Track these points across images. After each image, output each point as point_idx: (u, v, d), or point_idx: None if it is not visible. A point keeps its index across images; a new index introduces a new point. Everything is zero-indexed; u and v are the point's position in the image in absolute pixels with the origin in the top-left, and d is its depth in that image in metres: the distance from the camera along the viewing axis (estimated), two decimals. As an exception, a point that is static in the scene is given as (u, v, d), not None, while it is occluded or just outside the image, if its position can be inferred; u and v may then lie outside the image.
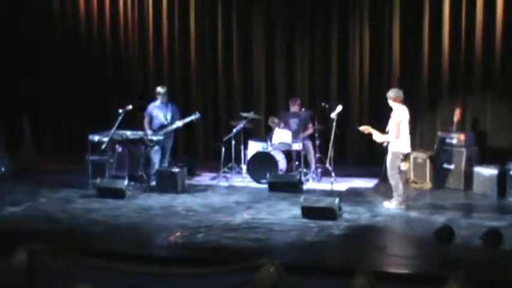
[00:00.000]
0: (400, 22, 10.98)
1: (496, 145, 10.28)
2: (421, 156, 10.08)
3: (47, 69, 12.86)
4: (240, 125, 10.43)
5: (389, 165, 8.30)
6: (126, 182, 9.20)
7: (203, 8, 12.18)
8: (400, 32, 11.00)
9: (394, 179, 8.32)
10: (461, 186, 9.53)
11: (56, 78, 12.89)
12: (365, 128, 8.39)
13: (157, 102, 10.18)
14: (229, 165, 10.63)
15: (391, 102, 8.35)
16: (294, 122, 10.60)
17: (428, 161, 9.95)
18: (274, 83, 11.99)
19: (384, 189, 8.92)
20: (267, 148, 10.31)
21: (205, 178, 10.70)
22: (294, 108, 10.63)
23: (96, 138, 9.77)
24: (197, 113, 10.21)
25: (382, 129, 8.44)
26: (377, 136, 8.35)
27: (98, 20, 12.73)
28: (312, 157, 10.41)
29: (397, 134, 8.17)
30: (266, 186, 9.63)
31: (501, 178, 9.02)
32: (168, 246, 6.77)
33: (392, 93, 8.37)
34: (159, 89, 10.18)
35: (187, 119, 10.12)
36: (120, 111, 9.50)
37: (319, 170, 10.36)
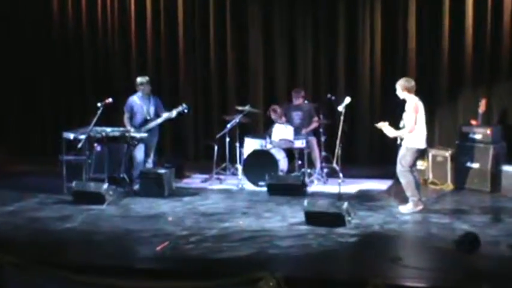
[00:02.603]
0: (416, 2, 10.98)
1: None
2: (441, 153, 10.08)
3: (16, 62, 12.86)
4: (235, 120, 10.42)
5: (400, 160, 8.32)
6: (105, 185, 9.18)
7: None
8: (416, 13, 11.01)
9: (404, 177, 8.33)
10: (487, 188, 9.54)
11: (25, 71, 12.89)
12: (382, 125, 8.40)
13: (138, 95, 10.16)
14: (223, 165, 10.63)
15: (402, 93, 8.35)
16: (296, 116, 10.60)
17: (449, 159, 9.95)
18: (274, 72, 12.00)
19: (399, 192, 8.91)
20: (265, 146, 10.30)
21: (195, 180, 10.70)
22: (298, 100, 10.62)
23: (71, 136, 9.74)
24: (184, 104, 10.19)
25: (396, 125, 8.43)
26: (390, 131, 8.36)
27: (73, 8, 12.70)
28: (316, 156, 10.41)
29: (412, 127, 8.18)
30: (265, 189, 9.64)
31: (532, 178, 9.04)
32: (154, 258, 6.76)
33: (403, 82, 8.37)
34: (140, 80, 10.15)
35: (174, 112, 10.09)
36: (99, 105, 9.49)
37: (325, 170, 10.36)
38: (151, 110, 10.09)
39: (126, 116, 10.12)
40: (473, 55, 10.72)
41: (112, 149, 9.85)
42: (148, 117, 10.07)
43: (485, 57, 10.66)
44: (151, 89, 10.20)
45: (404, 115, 8.34)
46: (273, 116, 10.57)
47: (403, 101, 8.42)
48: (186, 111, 10.19)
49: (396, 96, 8.51)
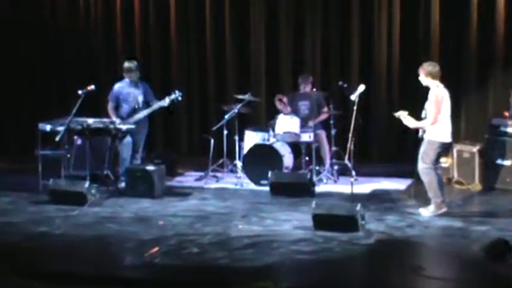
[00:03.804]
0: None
1: None
2: (467, 149, 10.05)
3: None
4: (234, 110, 10.40)
5: (422, 156, 8.31)
6: (87, 183, 9.17)
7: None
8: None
9: (426, 175, 8.32)
10: (521, 188, 9.55)
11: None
12: (401, 114, 8.37)
13: (125, 82, 10.13)
14: (220, 161, 10.61)
15: (425, 79, 8.34)
16: (304, 106, 10.58)
17: (477, 156, 9.92)
18: (278, 56, 11.97)
19: (419, 192, 8.90)
20: (268, 139, 10.28)
21: (189, 178, 10.71)
22: (305, 88, 10.58)
23: (48, 127, 9.74)
24: (177, 91, 10.15)
25: (417, 117, 8.40)
26: (410, 121, 8.33)
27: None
28: (326, 151, 10.39)
29: (435, 117, 8.15)
30: (267, 188, 9.62)
31: None
32: (142, 266, 6.75)
33: (426, 67, 8.35)
34: (127, 65, 10.12)
35: (167, 101, 10.06)
36: (80, 93, 9.46)
37: (336, 167, 10.34)
38: (140, 98, 10.07)
39: (110, 106, 10.09)
40: (506, 37, 10.69)
41: (94, 143, 9.84)
42: (136, 107, 10.04)
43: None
44: (139, 75, 10.15)
45: (427, 104, 8.30)
46: (279, 106, 10.52)
47: (426, 90, 8.38)
48: (179, 98, 10.16)
49: (418, 84, 8.47)
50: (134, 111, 10.03)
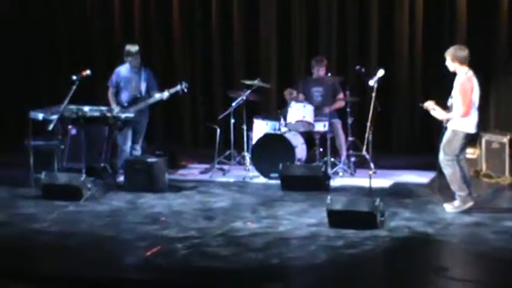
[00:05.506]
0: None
1: None
2: (497, 139, 10.03)
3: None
4: (242, 97, 10.41)
5: (444, 146, 8.29)
6: (83, 177, 9.21)
7: None
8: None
9: (448, 167, 8.31)
10: (556, 181, 9.56)
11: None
12: (429, 105, 8.36)
13: (126, 67, 10.16)
14: (227, 153, 10.64)
15: (452, 64, 8.31)
16: (317, 92, 10.59)
17: (507, 146, 9.90)
18: (290, 38, 11.95)
19: (444, 186, 8.88)
20: (279, 129, 10.29)
21: (193, 171, 10.75)
22: (319, 72, 10.58)
23: (40, 116, 9.77)
24: (184, 83, 10.17)
25: (443, 105, 8.38)
26: (439, 113, 8.30)
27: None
28: (342, 142, 10.39)
29: (467, 109, 8.11)
30: (278, 182, 9.64)
31: None
32: (142, 267, 6.78)
33: (454, 51, 8.33)
34: (129, 48, 10.14)
35: (171, 91, 10.08)
36: (74, 78, 9.48)
37: (353, 159, 10.35)
38: (143, 86, 10.08)
39: (111, 91, 10.15)
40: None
41: (90, 133, 9.88)
42: (138, 95, 10.05)
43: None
44: (140, 61, 10.14)
45: (454, 92, 8.28)
46: (288, 100, 10.50)
47: (452, 75, 8.36)
48: (185, 90, 10.18)
49: (443, 69, 8.45)
50: (136, 99, 10.05)
